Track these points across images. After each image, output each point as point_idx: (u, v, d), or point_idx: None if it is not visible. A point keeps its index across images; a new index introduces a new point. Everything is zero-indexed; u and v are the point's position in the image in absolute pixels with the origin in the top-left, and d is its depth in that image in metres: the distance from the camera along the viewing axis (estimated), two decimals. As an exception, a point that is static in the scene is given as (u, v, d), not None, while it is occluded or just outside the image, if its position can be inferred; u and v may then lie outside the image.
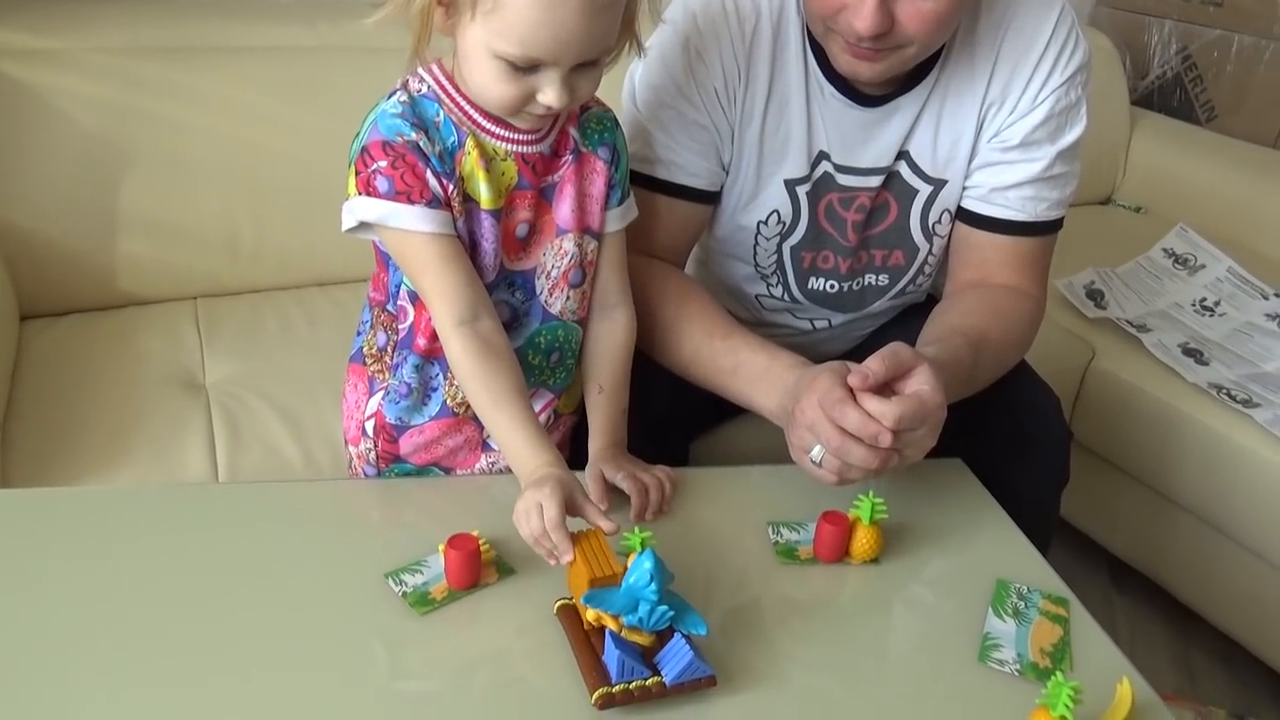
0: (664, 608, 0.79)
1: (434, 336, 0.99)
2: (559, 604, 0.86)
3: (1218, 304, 1.87)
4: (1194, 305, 1.86)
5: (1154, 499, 1.71)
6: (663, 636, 0.81)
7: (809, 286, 1.26)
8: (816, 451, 0.94)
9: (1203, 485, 1.63)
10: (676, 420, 1.20)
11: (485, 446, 1.08)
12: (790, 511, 1.03)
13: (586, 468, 1.03)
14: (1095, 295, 1.86)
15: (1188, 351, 1.71)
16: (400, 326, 1.04)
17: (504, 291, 1.01)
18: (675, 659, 0.78)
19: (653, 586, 0.78)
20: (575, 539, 0.85)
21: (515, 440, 0.92)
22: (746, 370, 1.08)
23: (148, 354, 1.43)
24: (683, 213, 1.18)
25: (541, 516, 0.84)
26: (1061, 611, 0.94)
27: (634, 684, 0.77)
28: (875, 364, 0.93)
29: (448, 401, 1.04)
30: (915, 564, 0.99)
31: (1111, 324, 1.78)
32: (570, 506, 0.87)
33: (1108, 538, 1.83)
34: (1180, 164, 2.34)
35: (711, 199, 1.20)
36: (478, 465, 1.09)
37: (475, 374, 0.94)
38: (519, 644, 0.84)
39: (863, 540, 0.97)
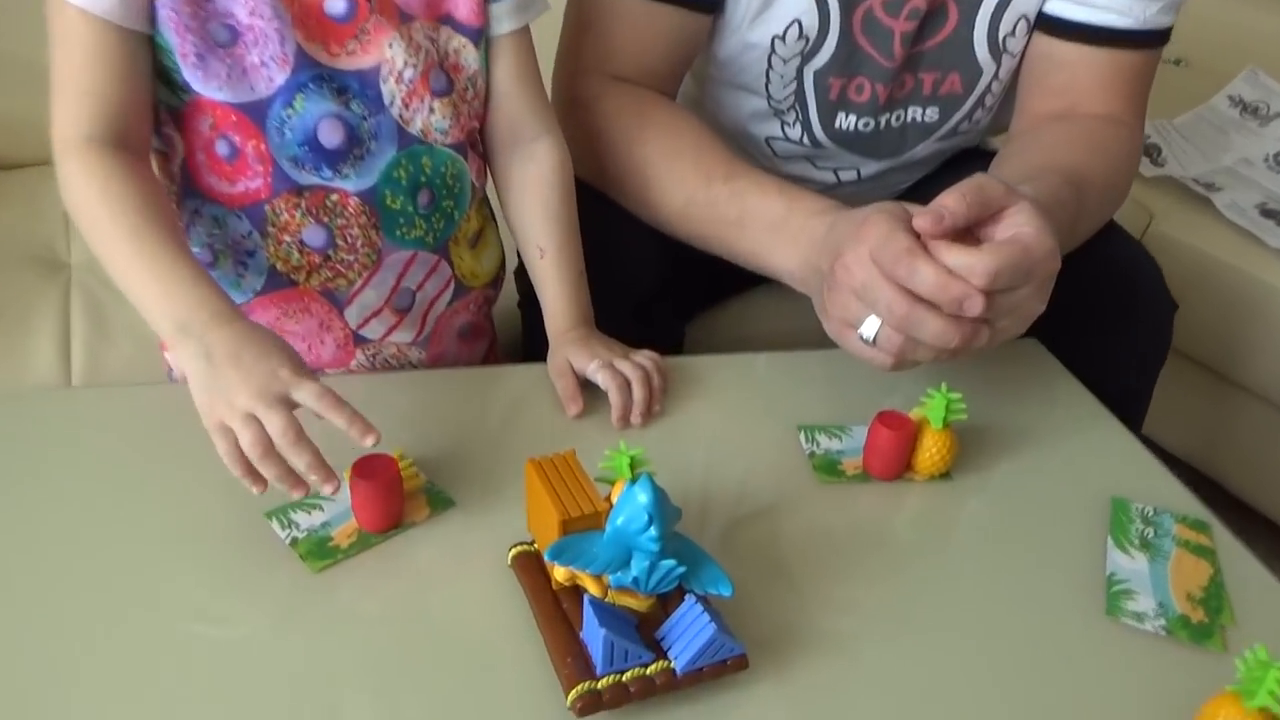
0: (670, 561, 0.53)
1: (219, 170, 0.73)
2: (516, 551, 0.60)
3: (1298, 158, 1.60)
4: (1268, 161, 1.60)
5: (1220, 386, 1.50)
6: (667, 601, 0.55)
7: (836, 125, 0.99)
8: (868, 325, 0.69)
9: (1283, 370, 1.40)
10: (666, 293, 0.93)
11: (359, 340, 0.82)
12: (827, 412, 0.78)
13: (548, 358, 0.78)
14: (1151, 150, 1.60)
15: (1266, 213, 1.47)
16: (172, 168, 0.76)
17: (330, 101, 0.73)
18: (691, 634, 0.53)
19: (652, 531, 0.52)
20: (539, 464, 0.58)
21: (164, 275, 0.65)
22: (757, 220, 0.83)
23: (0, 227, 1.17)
24: (668, 24, 0.92)
25: (263, 430, 0.59)
26: (1205, 540, 0.69)
27: (629, 673, 0.52)
28: (953, 200, 0.67)
29: (277, 265, 0.77)
30: (999, 479, 0.74)
31: (1172, 183, 1.54)
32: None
33: (1160, 431, 1.59)
34: (1224, 9, 2.06)
35: (708, 7, 0.92)
36: (352, 364, 0.82)
37: (102, 195, 0.66)
38: (460, 613, 0.59)
39: (931, 449, 0.72)
